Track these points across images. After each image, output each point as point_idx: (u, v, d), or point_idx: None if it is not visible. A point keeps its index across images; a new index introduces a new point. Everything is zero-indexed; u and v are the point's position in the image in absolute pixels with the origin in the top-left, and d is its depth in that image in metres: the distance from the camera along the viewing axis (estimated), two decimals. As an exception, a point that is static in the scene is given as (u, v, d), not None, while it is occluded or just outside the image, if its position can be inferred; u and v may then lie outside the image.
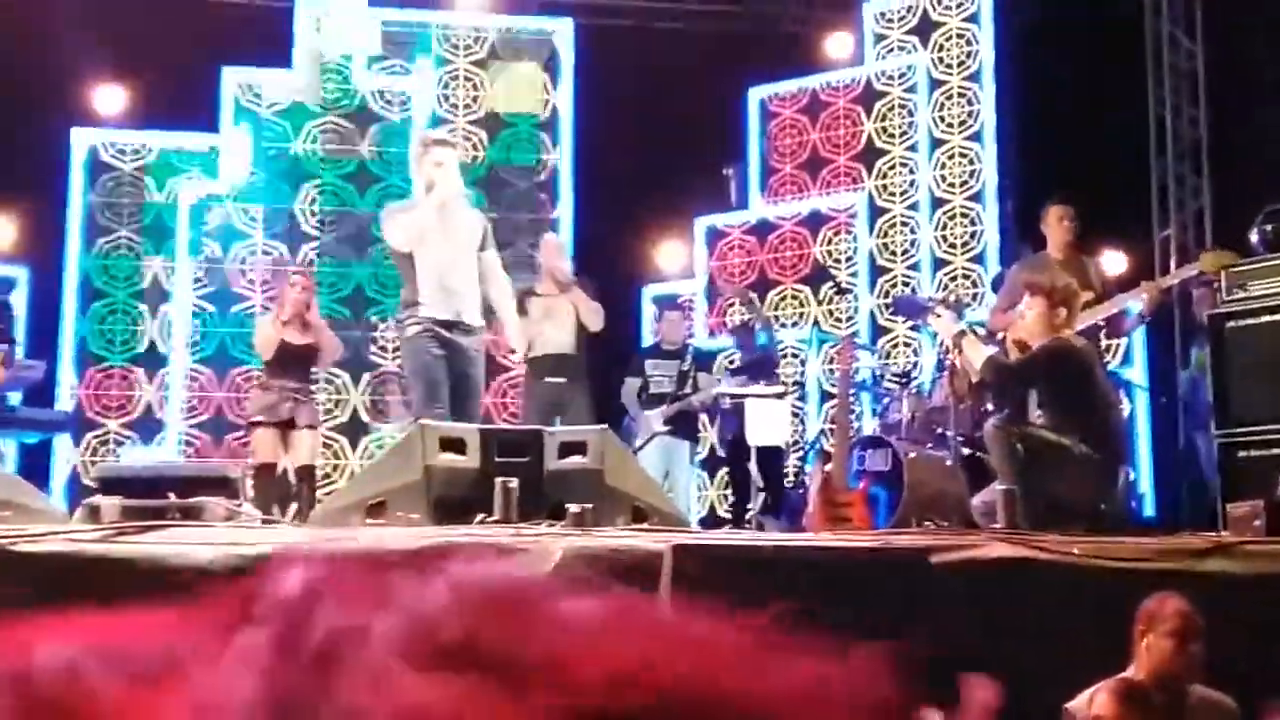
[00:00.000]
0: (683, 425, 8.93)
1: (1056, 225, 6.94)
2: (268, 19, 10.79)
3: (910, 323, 10.12)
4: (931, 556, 4.12)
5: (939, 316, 6.52)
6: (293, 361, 7.86)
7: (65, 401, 9.79)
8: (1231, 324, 6.41)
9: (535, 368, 8.14)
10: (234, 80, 10.47)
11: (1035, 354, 5.99)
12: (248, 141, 10.42)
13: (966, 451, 7.63)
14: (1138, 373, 9.70)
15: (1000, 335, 7.45)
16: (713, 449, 10.69)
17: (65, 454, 9.73)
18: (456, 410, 6.11)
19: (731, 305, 11.01)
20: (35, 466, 9.32)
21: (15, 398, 8.76)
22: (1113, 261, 9.88)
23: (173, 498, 4.48)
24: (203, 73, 10.37)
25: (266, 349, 7.91)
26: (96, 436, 9.91)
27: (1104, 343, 7.16)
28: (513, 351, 7.13)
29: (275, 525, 4.99)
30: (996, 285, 9.20)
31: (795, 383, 10.55)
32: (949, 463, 7.41)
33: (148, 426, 9.98)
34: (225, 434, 9.96)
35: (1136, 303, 6.91)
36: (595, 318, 8.14)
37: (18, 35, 9.74)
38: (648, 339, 10.49)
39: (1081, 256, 7.01)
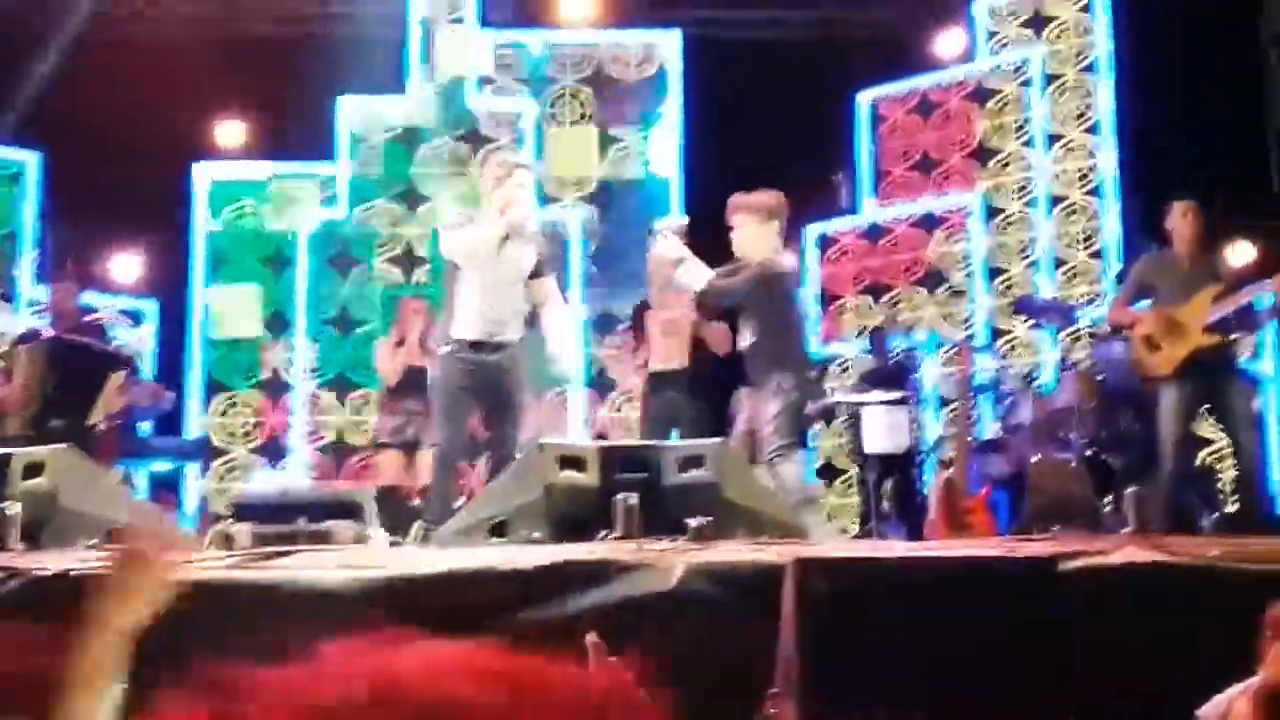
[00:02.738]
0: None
1: (1180, 221, 6.78)
2: (381, 46, 11.00)
3: (1030, 323, 9.94)
4: (1059, 563, 4.04)
5: (664, 238, 6.47)
6: (414, 383, 7.99)
7: (194, 430, 10.09)
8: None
9: (651, 383, 8.12)
10: (349, 108, 10.69)
11: (751, 271, 6.17)
12: (365, 168, 10.64)
13: (1091, 453, 7.50)
14: (1268, 365, 9.42)
15: (1122, 333, 7.31)
16: (828, 458, 10.61)
17: (194, 481, 10.02)
18: (497, 422, 6.15)
19: (844, 311, 10.91)
20: (166, 495, 9.62)
21: (146, 427, 9.05)
22: (1242, 251, 9.62)
23: (303, 522, 4.58)
24: (319, 102, 10.62)
25: (389, 374, 8.09)
26: (224, 463, 10.19)
27: (1234, 336, 6.94)
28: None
29: (402, 548, 5.07)
30: (1121, 282, 9.01)
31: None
32: (1073, 465, 7.29)
33: (273, 452, 10.24)
34: (346, 458, 10.17)
35: (1267, 295, 6.72)
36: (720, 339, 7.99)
37: (138, 75, 10.07)
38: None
39: (1208, 253, 6.84)
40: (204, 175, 10.59)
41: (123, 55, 10.31)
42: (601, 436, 9.47)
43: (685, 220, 6.57)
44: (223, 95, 10.69)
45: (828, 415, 9.63)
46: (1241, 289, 6.72)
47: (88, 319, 8.48)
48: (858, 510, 9.27)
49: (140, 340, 10.49)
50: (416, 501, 7.78)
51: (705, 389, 8.09)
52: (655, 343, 8.01)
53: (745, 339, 6.39)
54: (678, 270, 6.43)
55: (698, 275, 6.37)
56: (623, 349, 8.86)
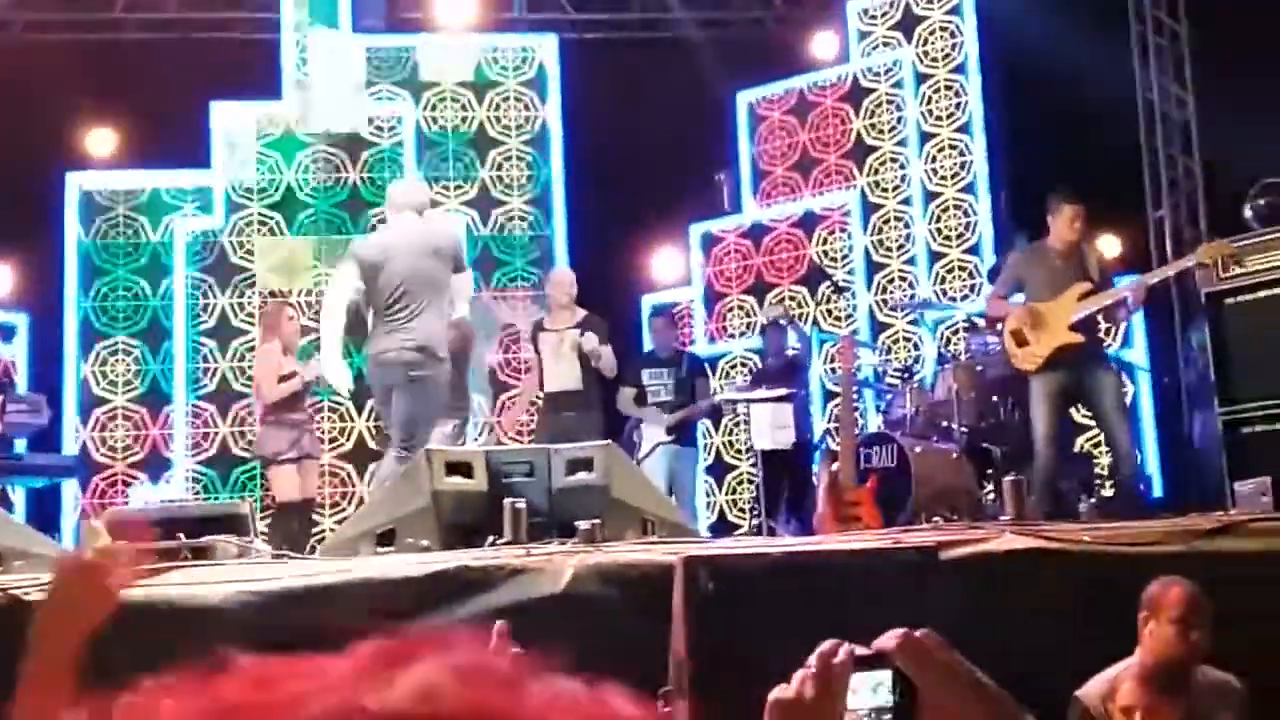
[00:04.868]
0: (685, 433, 8.92)
1: (1067, 225, 6.87)
2: (254, 51, 10.84)
3: (910, 318, 10.13)
4: (941, 552, 4.13)
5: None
6: (300, 394, 7.88)
7: (71, 445, 9.82)
8: (1230, 300, 6.45)
9: (546, 403, 8.17)
10: (223, 115, 10.51)
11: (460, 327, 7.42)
12: (240, 175, 10.46)
13: (972, 443, 7.66)
14: (1139, 354, 9.71)
15: (998, 325, 7.47)
16: (718, 454, 10.70)
17: (74, 498, 9.75)
18: None
19: (729, 309, 11.03)
20: (44, 512, 9.36)
21: (21, 444, 8.78)
22: (1107, 244, 9.90)
23: (183, 538, 4.50)
24: (192, 109, 10.41)
25: (273, 385, 7.83)
26: (104, 478, 9.94)
27: (1102, 329, 7.13)
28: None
29: (286, 560, 5.00)
30: (993, 276, 9.21)
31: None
32: (955, 455, 7.43)
33: (155, 466, 10.02)
34: (232, 469, 9.98)
35: (1130, 293, 6.91)
36: (607, 363, 8.11)
37: (6, 82, 9.79)
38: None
39: (1081, 246, 6.99)
40: (75, 184, 10.32)
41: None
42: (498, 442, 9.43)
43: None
44: (93, 103, 10.43)
45: (715, 413, 9.71)
46: (1109, 284, 6.90)
47: None
48: (750, 506, 9.35)
49: (12, 355, 10.20)
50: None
51: (598, 407, 8.15)
52: (548, 364, 8.03)
53: None
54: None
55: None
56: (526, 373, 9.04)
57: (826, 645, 1.55)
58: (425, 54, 11.03)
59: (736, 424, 10.43)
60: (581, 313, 8.17)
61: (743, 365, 10.76)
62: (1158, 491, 9.18)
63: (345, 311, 6.62)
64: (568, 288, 8.27)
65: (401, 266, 6.40)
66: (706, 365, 9.75)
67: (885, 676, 1.56)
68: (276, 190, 10.50)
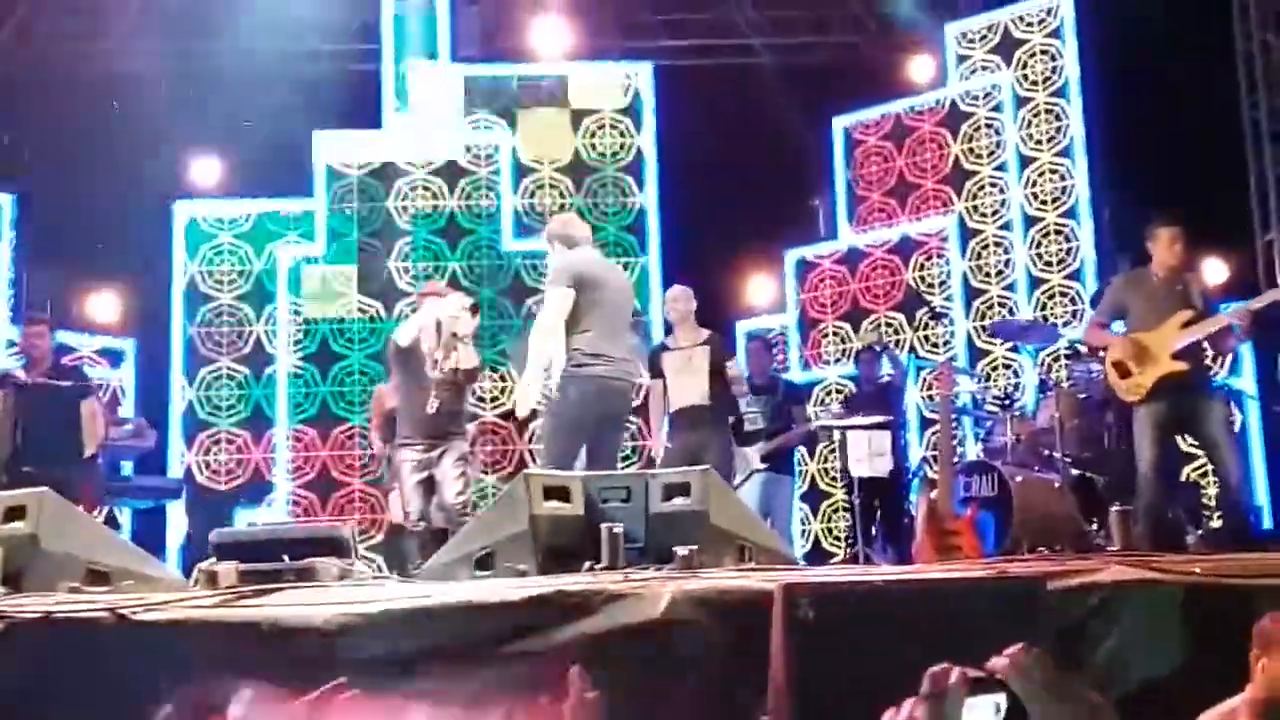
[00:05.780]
0: (781, 460, 8.83)
1: (1167, 249, 6.72)
2: (355, 82, 11.04)
3: (1010, 344, 9.97)
4: (1047, 582, 4.04)
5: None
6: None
7: (176, 468, 10.03)
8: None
9: (673, 421, 8.03)
10: (326, 144, 10.71)
11: None
12: (342, 203, 10.65)
13: (1076, 472, 7.51)
14: (1246, 381, 9.47)
15: (1100, 353, 7.32)
16: (813, 482, 10.62)
17: (178, 520, 9.95)
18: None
19: (824, 336, 10.95)
20: (149, 533, 9.55)
21: (128, 466, 8.99)
22: (1214, 269, 9.69)
23: (286, 560, 4.55)
24: (295, 138, 10.63)
25: (381, 410, 8.02)
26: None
27: (1208, 357, 6.94)
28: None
29: (386, 583, 5.04)
30: (1095, 303, 9.05)
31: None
32: (1057, 485, 7.29)
33: (257, 488, 10.19)
34: (331, 493, 10.12)
35: (1237, 321, 6.70)
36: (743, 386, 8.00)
37: (115, 114, 10.06)
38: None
39: (1184, 274, 6.82)
40: (182, 213, 10.58)
41: (98, 93, 10.30)
42: None
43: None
44: (201, 131, 10.69)
45: (810, 440, 9.62)
46: (1211, 316, 6.69)
47: (63, 361, 8.41)
48: (845, 534, 9.26)
49: (120, 380, 10.46)
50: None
51: (725, 423, 8.03)
52: (674, 383, 7.90)
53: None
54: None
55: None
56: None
57: (938, 668, 1.53)
58: (522, 82, 11.15)
59: (831, 451, 10.36)
60: (704, 331, 8.01)
61: (837, 392, 10.69)
62: (1268, 523, 8.93)
63: (559, 333, 6.25)
64: (685, 301, 8.08)
65: (617, 294, 6.39)
66: (802, 392, 9.68)
67: (999, 699, 1.54)
68: (376, 218, 10.67)
